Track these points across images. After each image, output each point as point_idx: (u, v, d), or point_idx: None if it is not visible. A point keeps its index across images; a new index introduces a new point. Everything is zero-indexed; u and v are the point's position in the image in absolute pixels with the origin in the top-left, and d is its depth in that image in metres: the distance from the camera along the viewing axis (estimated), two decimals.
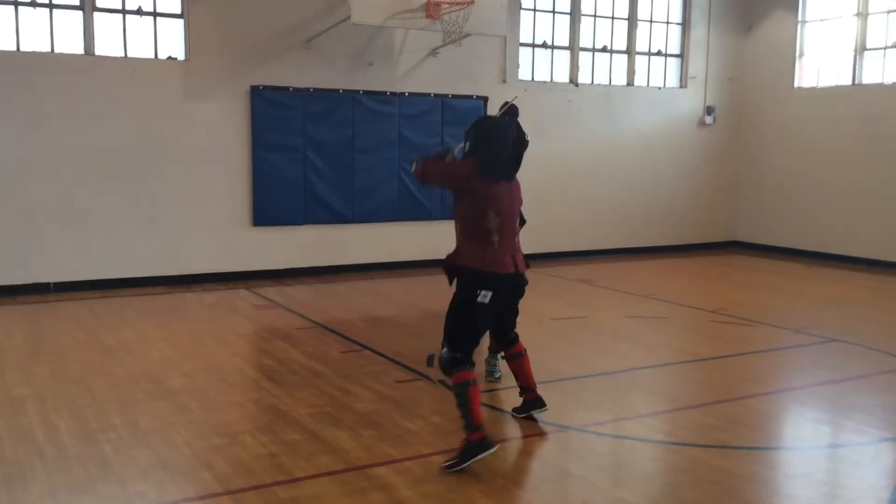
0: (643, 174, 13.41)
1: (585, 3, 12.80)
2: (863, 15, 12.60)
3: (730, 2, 14.02)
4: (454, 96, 11.59)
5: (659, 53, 13.64)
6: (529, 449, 4.93)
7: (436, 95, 11.46)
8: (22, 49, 9.26)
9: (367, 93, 11.00)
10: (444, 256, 4.97)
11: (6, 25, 9.19)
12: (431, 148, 10.56)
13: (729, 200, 14.42)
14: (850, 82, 12.79)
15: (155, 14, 9.92)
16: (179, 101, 9.97)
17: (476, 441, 4.46)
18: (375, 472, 4.40)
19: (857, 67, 12.70)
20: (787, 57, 13.55)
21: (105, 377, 6.14)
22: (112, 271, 9.78)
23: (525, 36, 12.33)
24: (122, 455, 4.62)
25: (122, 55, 9.77)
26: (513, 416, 5.28)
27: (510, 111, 6.28)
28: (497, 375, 6.05)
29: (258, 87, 10.33)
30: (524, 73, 12.36)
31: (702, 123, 13.98)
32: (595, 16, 12.95)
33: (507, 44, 11.93)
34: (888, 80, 12.34)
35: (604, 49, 13.09)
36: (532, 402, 5.20)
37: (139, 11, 9.82)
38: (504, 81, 12.01)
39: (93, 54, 9.58)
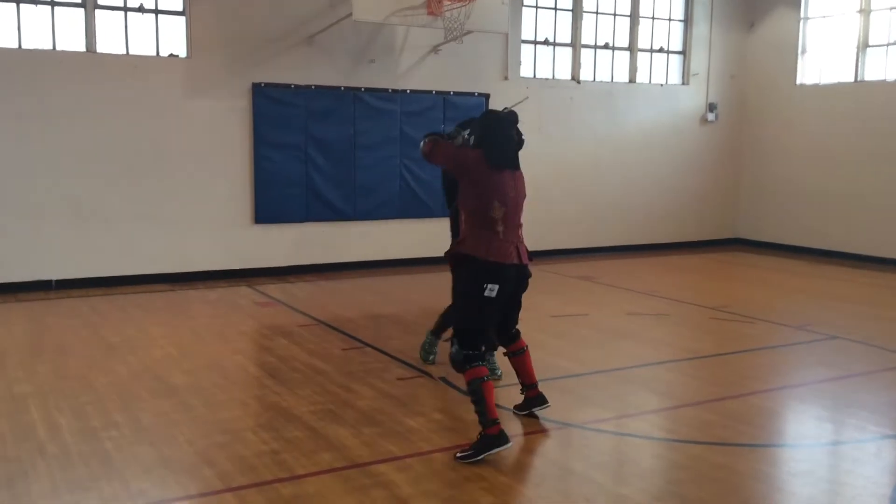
0: (645, 171, 13.40)
1: None
2: (865, 11, 12.58)
3: None
4: (456, 93, 11.58)
5: (661, 50, 13.62)
6: (531, 446, 4.93)
7: (437, 93, 11.46)
8: (24, 47, 9.27)
9: (368, 90, 11.00)
10: (444, 254, 4.99)
11: (8, 23, 9.20)
12: None
13: (731, 197, 14.41)
14: (852, 79, 12.77)
15: (157, 11, 9.92)
16: (181, 98, 9.97)
17: (492, 435, 4.53)
18: (377, 470, 4.41)
19: (859, 64, 12.68)
20: (790, 54, 13.53)
21: (107, 374, 6.15)
22: (114, 268, 9.79)
23: (527, 33, 12.32)
24: (124, 452, 4.63)
25: (124, 52, 9.77)
26: (514, 413, 5.28)
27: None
28: (498, 374, 6.04)
29: (260, 84, 10.34)
30: (526, 70, 12.35)
31: (704, 120, 13.96)
32: (597, 12, 12.94)
33: (509, 41, 11.92)
34: (891, 77, 12.32)
35: (606, 46, 13.07)
36: (534, 399, 5.20)
37: (141, 9, 9.82)
38: (506, 78, 12.01)
39: (94, 52, 9.59)
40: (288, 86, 10.51)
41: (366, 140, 11.05)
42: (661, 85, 13.61)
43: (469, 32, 10.14)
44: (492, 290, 4.65)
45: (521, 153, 5.12)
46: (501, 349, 5.35)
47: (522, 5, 12.12)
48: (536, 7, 12.39)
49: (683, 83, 13.84)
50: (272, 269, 10.66)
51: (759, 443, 4.95)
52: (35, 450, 4.66)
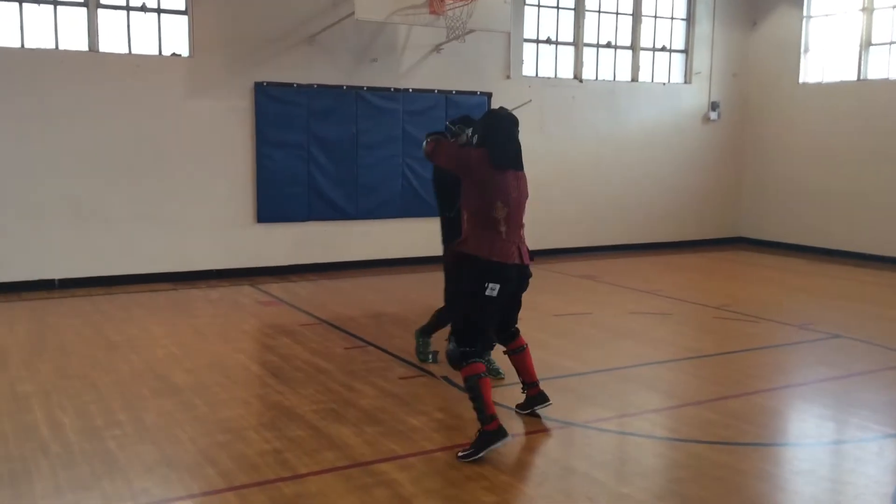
0: (647, 170, 13.39)
1: None
2: (868, 10, 12.56)
3: None
4: (458, 92, 11.58)
5: (663, 49, 13.61)
6: (533, 445, 4.93)
7: (440, 92, 11.46)
8: (26, 46, 9.28)
9: (370, 89, 11.00)
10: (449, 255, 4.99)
11: (11, 22, 9.20)
12: None
13: (733, 196, 14.39)
14: (855, 78, 12.76)
15: (159, 11, 9.92)
16: (183, 97, 9.98)
17: (491, 431, 4.54)
18: (379, 469, 4.41)
19: (862, 63, 12.66)
20: (792, 52, 13.52)
21: (110, 374, 6.16)
22: (116, 268, 9.80)
23: (529, 32, 12.32)
24: (127, 451, 4.64)
25: (127, 52, 9.78)
26: (516, 412, 5.28)
27: (466, 124, 6.29)
28: (501, 374, 6.04)
29: (262, 83, 10.34)
30: (528, 69, 12.35)
31: (706, 119, 13.95)
32: (599, 11, 12.93)
33: (511, 40, 11.92)
34: (893, 76, 12.30)
35: (608, 45, 13.06)
36: (535, 397, 5.20)
37: (143, 8, 9.83)
38: (508, 77, 12.00)
39: (97, 51, 9.60)
40: (290, 85, 10.51)
41: (368, 139, 11.06)
42: (664, 84, 13.60)
43: (471, 31, 10.14)
44: (493, 289, 4.66)
45: (523, 153, 5.12)
46: (501, 347, 5.35)
47: (524, 4, 12.12)
48: (539, 6, 12.38)
49: (686, 82, 13.82)
50: (274, 268, 10.67)
51: (762, 442, 4.95)
52: (38, 449, 4.67)
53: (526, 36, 12.26)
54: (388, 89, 11.12)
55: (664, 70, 13.66)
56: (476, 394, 4.62)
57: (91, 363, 6.44)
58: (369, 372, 6.25)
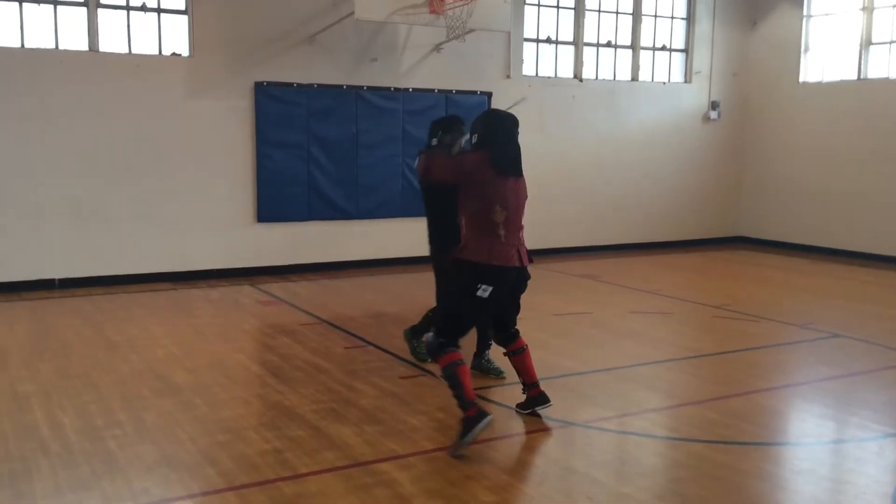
0: (647, 169, 13.39)
1: None
2: (868, 9, 12.56)
3: None
4: (458, 92, 11.58)
5: (663, 48, 13.61)
6: (533, 445, 4.93)
7: (440, 91, 11.46)
8: (26, 46, 9.28)
9: (370, 89, 11.00)
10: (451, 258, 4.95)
11: (10, 22, 9.20)
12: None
13: (733, 195, 14.39)
14: (855, 77, 12.75)
15: (159, 10, 9.92)
16: (183, 97, 9.98)
17: (473, 416, 4.60)
18: (379, 468, 4.41)
19: (862, 62, 12.66)
20: (792, 52, 13.51)
21: (110, 373, 6.16)
22: (117, 267, 9.80)
23: (529, 31, 12.32)
24: (127, 451, 4.64)
25: (127, 52, 9.78)
26: (517, 412, 5.28)
27: (452, 124, 6.29)
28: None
29: (262, 83, 10.34)
30: (528, 69, 12.35)
31: (706, 118, 13.95)
32: (599, 11, 12.93)
33: (511, 39, 11.92)
34: (893, 75, 12.31)
35: (608, 44, 13.06)
36: (536, 398, 5.20)
37: (143, 8, 9.83)
38: (508, 77, 12.00)
39: (97, 51, 9.60)
40: (290, 85, 10.51)
41: (368, 139, 11.06)
42: (664, 83, 13.59)
43: (471, 31, 10.14)
44: (484, 290, 4.68)
45: (523, 152, 5.11)
46: (501, 349, 5.35)
47: (525, 3, 12.12)
48: (539, 5, 12.38)
49: (686, 81, 13.82)
50: (274, 268, 10.67)
51: (762, 441, 4.95)
52: (38, 448, 4.67)
53: (526, 35, 12.26)
54: (388, 89, 11.12)
55: (664, 69, 13.66)
56: (455, 381, 4.67)
57: (91, 363, 6.44)
58: (369, 371, 6.26)
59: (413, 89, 11.28)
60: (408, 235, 11.39)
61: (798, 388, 6.16)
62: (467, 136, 5.06)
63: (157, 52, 9.95)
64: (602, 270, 11.26)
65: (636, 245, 13.38)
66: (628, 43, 13.28)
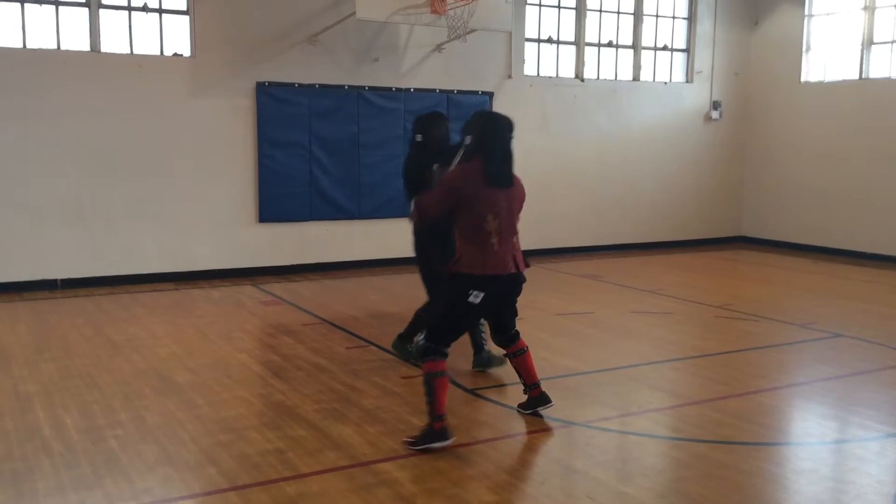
0: (649, 169, 13.39)
1: None
2: (870, 9, 12.55)
3: None
4: (459, 92, 11.58)
5: (665, 48, 13.60)
6: (534, 445, 4.93)
7: (441, 91, 11.46)
8: (28, 46, 9.29)
9: (372, 89, 11.01)
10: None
11: (12, 23, 9.22)
12: None
13: (735, 195, 14.39)
14: (856, 77, 12.75)
15: (160, 11, 9.93)
16: (185, 97, 9.99)
17: (437, 430, 4.63)
18: (381, 468, 4.42)
19: (864, 62, 12.65)
20: (794, 51, 13.51)
21: (112, 373, 6.17)
22: (118, 268, 9.81)
23: (530, 31, 12.32)
24: (129, 451, 4.64)
25: (128, 52, 9.79)
26: (518, 412, 5.28)
27: (436, 120, 6.32)
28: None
29: (264, 83, 10.35)
30: (530, 69, 12.35)
31: (708, 118, 13.94)
32: (601, 11, 12.93)
33: (513, 39, 11.92)
34: (895, 75, 12.29)
35: (609, 44, 13.06)
36: (537, 398, 5.20)
37: (145, 8, 9.84)
38: (509, 77, 12.01)
39: (98, 51, 9.61)
40: (291, 84, 10.52)
41: (369, 139, 11.06)
42: (665, 83, 13.59)
43: (473, 31, 10.15)
44: (476, 296, 4.65)
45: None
46: (502, 351, 5.36)
47: (526, 4, 12.12)
48: (540, 5, 12.38)
49: (687, 81, 13.82)
50: (276, 268, 10.68)
51: (764, 441, 4.95)
52: (40, 448, 4.67)
53: (527, 35, 12.26)
54: (389, 89, 11.12)
55: (666, 69, 13.65)
56: (430, 389, 4.67)
57: (93, 363, 6.45)
58: (371, 371, 6.26)
59: (414, 89, 11.29)
60: (409, 235, 11.39)
61: (800, 388, 6.16)
62: (465, 140, 4.91)
63: (158, 53, 9.96)
64: (603, 270, 11.26)
65: (638, 245, 13.38)
66: (630, 43, 13.27)
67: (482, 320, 5.73)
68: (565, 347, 7.06)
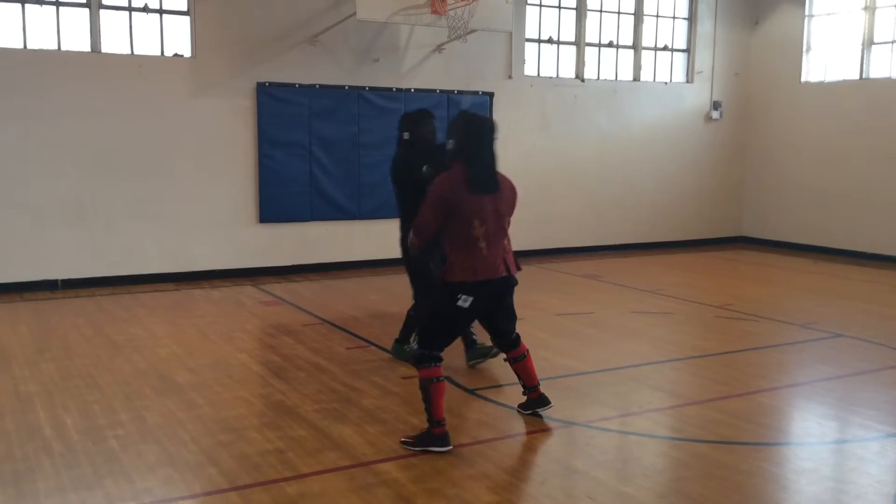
0: (649, 169, 13.39)
1: None
2: (870, 9, 12.55)
3: None
4: (460, 92, 11.58)
5: (665, 48, 13.60)
6: (535, 445, 4.93)
7: (441, 91, 11.46)
8: (29, 47, 9.30)
9: (372, 89, 11.01)
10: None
11: (13, 23, 9.22)
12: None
13: (735, 195, 14.39)
14: (857, 76, 12.74)
15: (161, 11, 9.94)
16: (186, 98, 9.99)
17: (436, 435, 4.63)
18: (381, 468, 4.42)
19: (864, 62, 12.65)
20: (794, 51, 13.51)
21: (112, 373, 6.17)
22: (119, 268, 9.82)
23: (531, 31, 12.32)
24: (130, 451, 4.65)
25: (129, 52, 9.80)
26: (518, 412, 5.29)
27: (422, 118, 6.32)
28: (494, 352, 6.07)
29: (264, 83, 10.35)
30: (530, 69, 12.35)
31: (708, 118, 13.95)
32: (601, 11, 12.93)
33: (513, 39, 11.93)
34: (895, 75, 12.29)
35: (610, 44, 13.06)
36: (536, 400, 5.20)
37: (145, 9, 9.84)
38: (510, 77, 12.01)
39: (99, 52, 9.61)
40: (292, 85, 10.52)
41: (370, 139, 11.06)
42: (666, 83, 13.59)
43: (473, 31, 10.15)
44: (465, 300, 4.60)
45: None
46: (502, 355, 5.34)
47: (526, 4, 12.12)
48: (540, 5, 12.38)
49: (688, 81, 13.82)
50: (277, 269, 10.68)
51: (764, 441, 4.95)
52: (41, 448, 4.68)
53: (528, 36, 12.26)
54: (389, 89, 11.13)
55: (666, 69, 13.65)
56: (427, 396, 4.66)
57: (94, 363, 6.45)
58: (371, 371, 6.26)
59: (415, 90, 11.29)
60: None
61: (800, 388, 6.16)
62: (448, 143, 4.84)
63: (159, 53, 9.96)
64: (604, 270, 11.26)
65: (638, 245, 13.38)
66: (630, 43, 13.28)
67: None
68: (566, 347, 7.06)
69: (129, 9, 9.76)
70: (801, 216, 13.43)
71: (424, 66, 11.37)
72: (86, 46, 9.57)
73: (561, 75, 12.65)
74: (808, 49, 13.42)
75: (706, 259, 12.71)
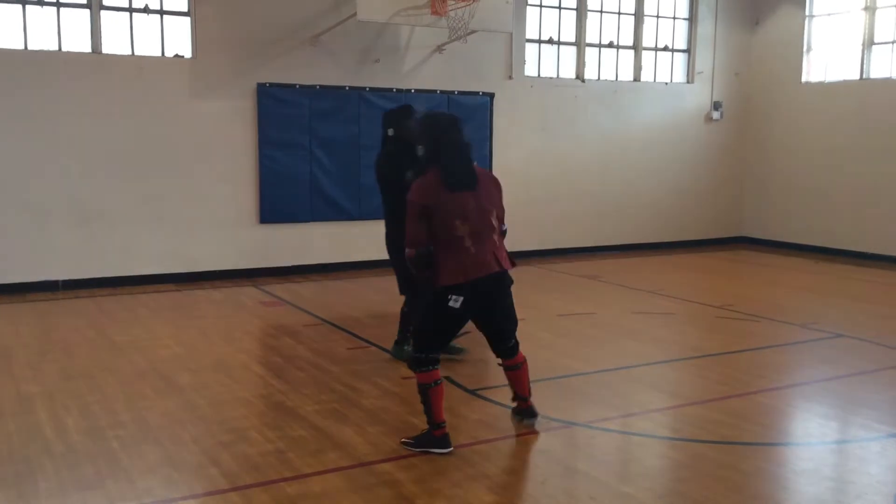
0: (650, 170, 13.39)
1: None
2: (870, 9, 12.55)
3: None
4: (460, 93, 11.59)
5: (666, 49, 13.60)
6: (535, 445, 4.92)
7: (442, 92, 11.47)
8: (30, 48, 9.30)
9: (373, 90, 11.01)
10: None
11: (14, 24, 9.23)
12: None
13: (736, 195, 14.39)
14: (857, 77, 12.74)
15: (162, 12, 9.94)
16: (186, 98, 10.00)
17: (436, 437, 4.62)
18: (382, 469, 4.42)
19: (864, 62, 12.65)
20: (795, 52, 13.50)
21: (113, 374, 6.18)
22: (120, 268, 9.82)
23: (531, 32, 12.32)
24: (131, 451, 4.65)
25: (130, 53, 9.80)
26: (512, 415, 5.17)
27: (405, 114, 6.31)
28: (463, 351, 6.09)
29: (265, 84, 10.36)
30: (530, 70, 12.35)
31: (709, 119, 13.94)
32: (601, 11, 12.93)
33: (514, 40, 11.93)
34: None
35: (610, 45, 13.06)
36: (524, 410, 5.05)
37: (146, 9, 9.85)
38: (510, 78, 12.01)
39: (100, 52, 9.62)
40: (292, 86, 10.53)
41: (370, 139, 10.99)
42: (666, 83, 13.59)
43: (473, 32, 10.15)
44: (455, 300, 4.50)
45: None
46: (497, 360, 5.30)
47: (527, 4, 12.12)
48: (541, 6, 12.38)
49: (688, 81, 13.82)
50: (277, 269, 10.69)
51: (764, 441, 4.95)
52: (42, 449, 4.68)
53: (528, 36, 12.26)
54: (390, 90, 11.13)
55: (666, 70, 13.65)
56: (426, 399, 4.64)
57: (95, 364, 6.46)
58: (372, 372, 6.27)
59: (416, 90, 11.29)
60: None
61: (801, 389, 6.16)
62: (418, 150, 4.80)
63: (159, 54, 9.97)
64: (605, 271, 11.26)
65: (639, 245, 13.37)
66: (630, 43, 13.28)
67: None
68: (567, 348, 7.06)
69: (130, 10, 9.77)
70: (802, 216, 13.42)
71: (425, 67, 11.37)
72: (86, 47, 9.57)
73: (561, 76, 12.65)
74: (809, 49, 13.42)
75: (707, 259, 12.71)
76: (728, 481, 4.31)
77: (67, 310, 8.55)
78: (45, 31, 9.39)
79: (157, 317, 8.21)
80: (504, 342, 4.89)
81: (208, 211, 10.24)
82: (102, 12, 9.61)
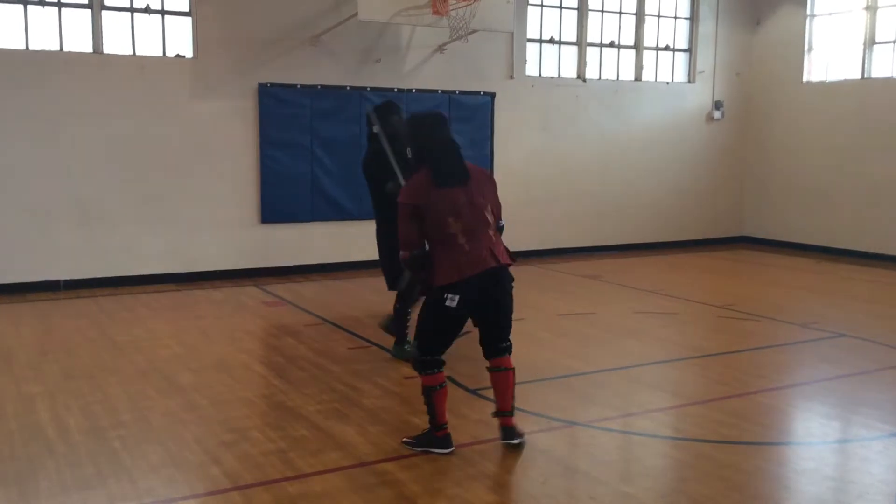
0: (651, 169, 13.39)
1: None
2: (872, 8, 12.54)
3: None
4: (462, 92, 11.59)
5: (667, 48, 13.60)
6: (536, 445, 4.92)
7: (443, 92, 11.47)
8: (31, 48, 9.31)
9: (374, 89, 11.01)
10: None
11: (15, 24, 9.24)
12: None
13: (737, 195, 14.38)
14: (858, 76, 12.74)
15: (163, 12, 9.95)
16: (187, 98, 10.00)
17: (438, 437, 4.63)
18: (383, 468, 4.42)
19: (865, 61, 12.64)
20: (796, 51, 13.50)
21: (115, 374, 6.18)
22: (121, 269, 9.83)
23: (532, 31, 12.32)
24: (132, 451, 4.66)
25: (131, 53, 9.81)
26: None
27: (390, 110, 6.33)
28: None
29: (266, 84, 10.36)
30: (531, 69, 12.35)
31: (710, 118, 13.94)
32: (602, 11, 12.92)
33: (515, 39, 11.92)
34: None
35: (611, 44, 13.06)
36: (507, 429, 4.73)
37: (147, 9, 9.85)
38: (511, 77, 12.01)
39: (101, 52, 9.63)
40: (294, 86, 10.53)
41: None
42: (667, 83, 13.59)
43: (474, 31, 10.15)
44: (452, 299, 4.43)
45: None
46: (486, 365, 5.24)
47: (528, 4, 12.12)
48: (542, 6, 12.37)
49: (689, 81, 13.81)
50: (278, 269, 10.69)
51: (766, 441, 4.95)
52: (43, 449, 4.69)
53: (529, 36, 12.26)
54: (391, 90, 11.13)
55: (668, 69, 13.65)
56: (429, 401, 4.64)
57: (96, 364, 6.46)
58: (373, 372, 6.27)
59: (416, 90, 11.29)
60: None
61: (802, 388, 6.16)
62: (407, 153, 4.74)
63: (161, 54, 9.97)
64: (605, 270, 11.26)
65: (640, 245, 13.37)
66: (632, 43, 13.27)
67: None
68: (567, 347, 7.06)
69: (131, 10, 9.78)
70: (803, 216, 13.42)
71: (426, 67, 11.38)
72: (88, 47, 9.58)
73: (562, 75, 12.65)
74: (810, 49, 13.41)
75: (708, 259, 12.71)
76: (729, 481, 4.31)
77: (68, 310, 8.55)
78: (46, 32, 9.39)
79: (158, 317, 8.22)
80: (498, 341, 4.74)
81: (209, 211, 10.24)
82: (104, 12, 9.61)
